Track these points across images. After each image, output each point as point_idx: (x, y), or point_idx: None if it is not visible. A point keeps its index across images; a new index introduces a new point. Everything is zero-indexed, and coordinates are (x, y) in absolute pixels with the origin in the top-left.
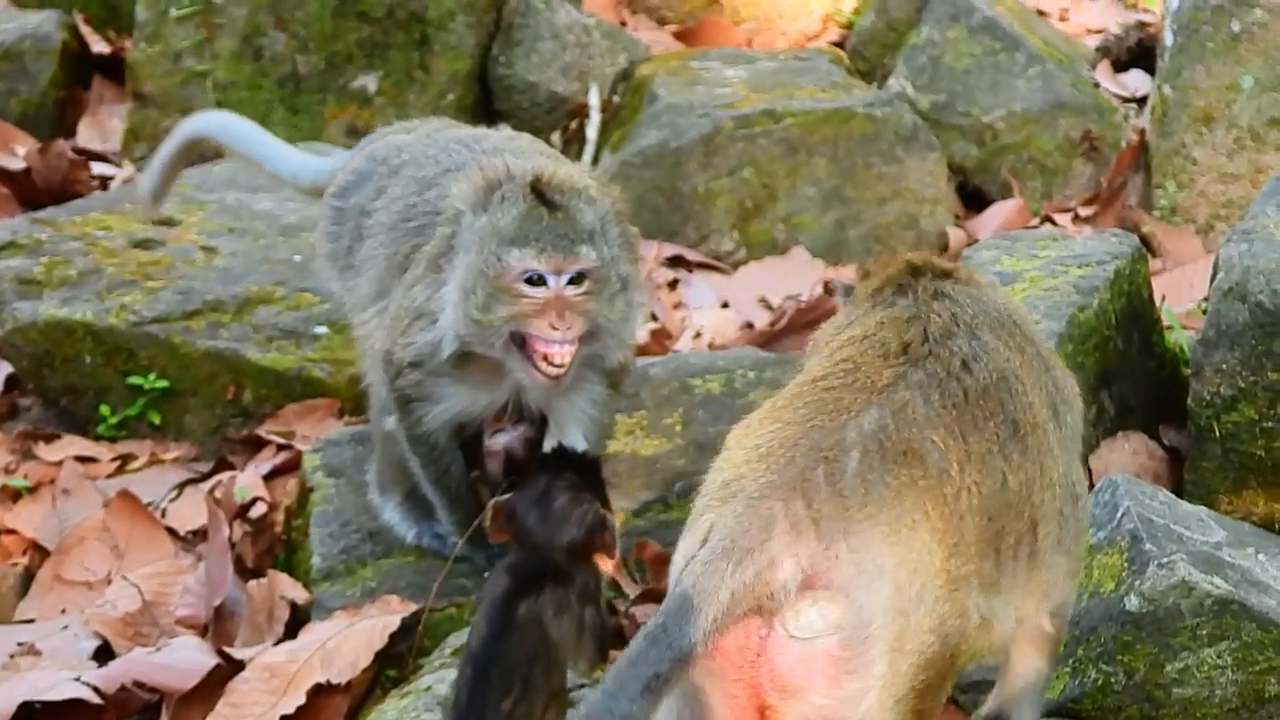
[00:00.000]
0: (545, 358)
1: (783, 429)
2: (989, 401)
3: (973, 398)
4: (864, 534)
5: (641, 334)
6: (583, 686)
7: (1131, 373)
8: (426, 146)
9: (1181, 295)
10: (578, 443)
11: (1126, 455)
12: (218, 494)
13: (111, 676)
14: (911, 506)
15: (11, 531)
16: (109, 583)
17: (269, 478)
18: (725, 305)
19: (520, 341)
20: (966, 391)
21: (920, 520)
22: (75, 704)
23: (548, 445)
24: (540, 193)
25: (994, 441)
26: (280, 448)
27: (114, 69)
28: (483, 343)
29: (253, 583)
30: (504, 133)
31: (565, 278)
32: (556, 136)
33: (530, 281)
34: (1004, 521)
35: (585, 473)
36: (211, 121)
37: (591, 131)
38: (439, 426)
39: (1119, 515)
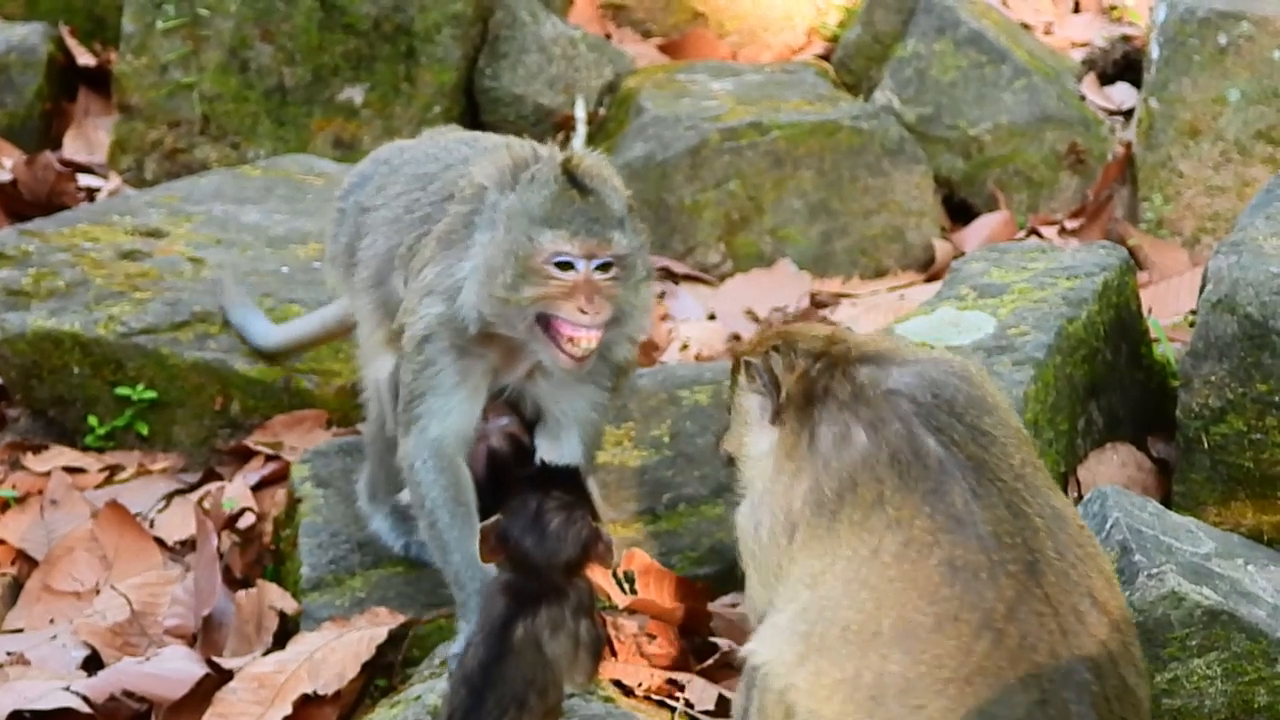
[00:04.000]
0: (571, 340)
1: None
2: (1077, 569)
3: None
4: None
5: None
6: (572, 696)
7: (1120, 384)
8: (428, 146)
9: (1168, 308)
10: (571, 443)
11: (1115, 466)
12: (206, 504)
13: (100, 686)
14: None
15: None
16: (97, 593)
17: (257, 488)
18: (712, 317)
19: (545, 323)
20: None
21: None
22: (64, 713)
23: (540, 445)
24: (571, 174)
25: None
26: (268, 458)
27: (100, 81)
28: (506, 323)
29: (241, 593)
30: (504, 136)
31: (595, 263)
32: None
33: (560, 265)
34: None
35: (572, 487)
36: None
37: (578, 144)
38: (450, 435)
39: (1108, 526)
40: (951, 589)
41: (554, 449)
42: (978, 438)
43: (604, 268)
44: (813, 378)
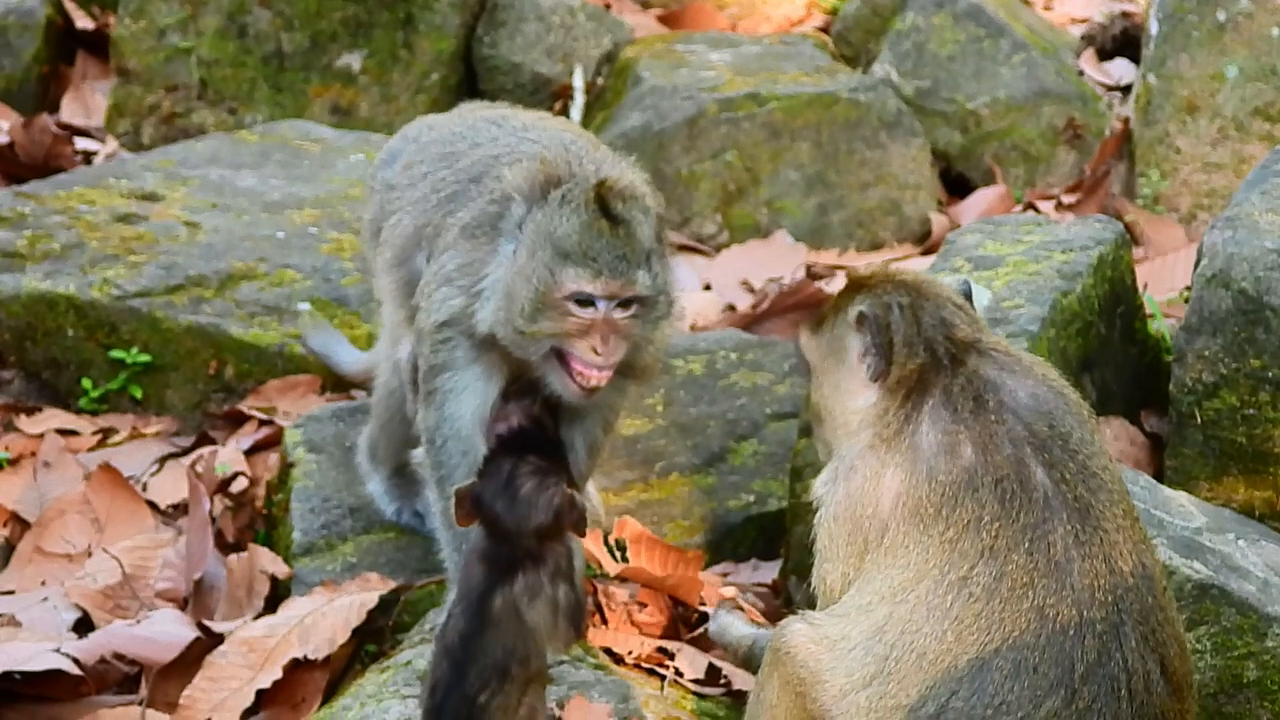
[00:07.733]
0: (582, 375)
1: None
2: (1156, 635)
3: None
4: None
5: None
6: (563, 663)
7: (1113, 358)
8: (456, 124)
9: (1163, 284)
10: (588, 427)
11: (1107, 440)
12: (199, 468)
13: (91, 648)
14: None
15: None
16: (89, 555)
17: (250, 453)
18: (707, 288)
19: (558, 354)
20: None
21: None
22: (55, 675)
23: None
24: (603, 201)
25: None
26: (261, 423)
27: (98, 45)
28: (520, 349)
29: (233, 557)
30: (533, 113)
31: (616, 302)
32: None
33: (580, 301)
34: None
35: (549, 453)
36: None
37: (575, 113)
38: (467, 414)
39: None
40: (1037, 639)
41: (571, 430)
42: (1088, 480)
43: (625, 304)
44: (930, 367)
